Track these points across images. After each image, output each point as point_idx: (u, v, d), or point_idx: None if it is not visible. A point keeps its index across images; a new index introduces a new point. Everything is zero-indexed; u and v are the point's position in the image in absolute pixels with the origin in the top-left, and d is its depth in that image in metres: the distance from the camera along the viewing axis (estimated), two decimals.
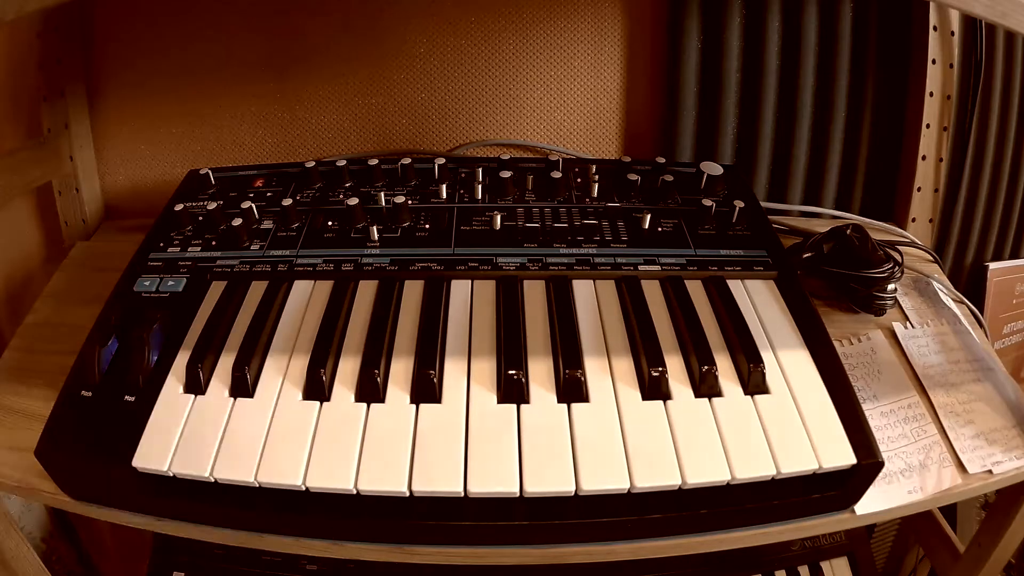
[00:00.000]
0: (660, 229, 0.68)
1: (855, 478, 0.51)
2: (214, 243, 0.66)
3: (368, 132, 0.89)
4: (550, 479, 0.47)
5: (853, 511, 0.54)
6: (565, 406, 0.52)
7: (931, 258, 0.81)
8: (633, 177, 0.74)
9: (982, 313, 0.79)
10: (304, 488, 0.47)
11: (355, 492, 0.47)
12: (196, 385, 0.53)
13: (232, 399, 0.53)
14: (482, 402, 0.52)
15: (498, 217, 0.68)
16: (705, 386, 0.53)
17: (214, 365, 0.55)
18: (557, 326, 0.58)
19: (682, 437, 0.50)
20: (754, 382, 0.54)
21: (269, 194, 0.73)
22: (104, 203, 0.90)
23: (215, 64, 0.84)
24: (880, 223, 0.84)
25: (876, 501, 0.54)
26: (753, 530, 0.52)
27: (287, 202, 0.68)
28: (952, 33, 0.81)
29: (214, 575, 0.80)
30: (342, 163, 0.75)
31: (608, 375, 0.54)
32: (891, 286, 0.69)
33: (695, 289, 0.63)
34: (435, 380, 0.53)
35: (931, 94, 0.82)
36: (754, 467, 0.48)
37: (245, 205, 0.69)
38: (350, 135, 0.89)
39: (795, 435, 0.50)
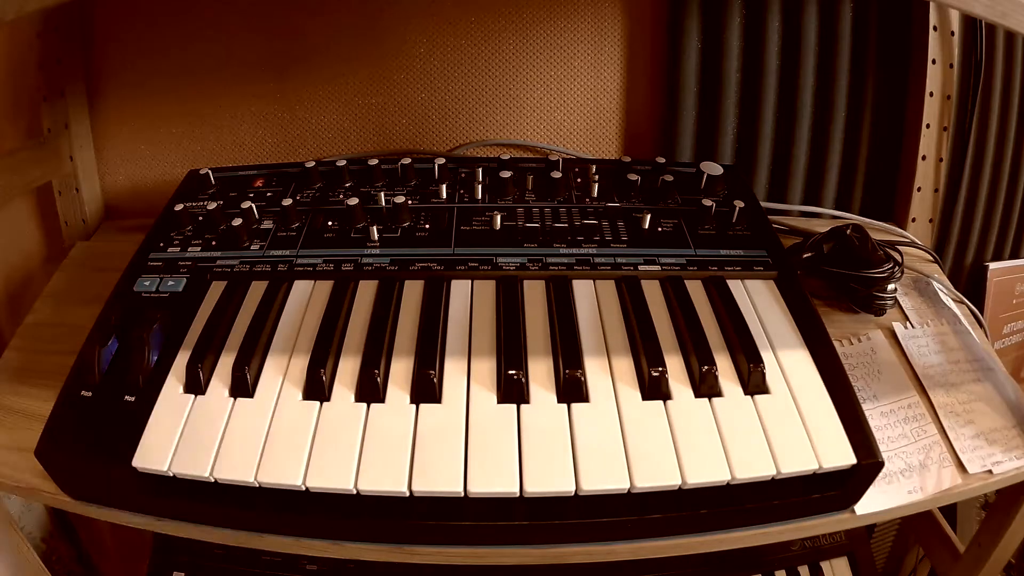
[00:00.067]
0: (660, 229, 0.68)
1: (855, 478, 0.51)
2: (214, 243, 0.66)
3: (368, 132, 0.89)
4: (550, 479, 0.47)
5: (853, 511, 0.54)
6: (565, 406, 0.52)
7: (931, 258, 0.81)
8: (633, 177, 0.74)
9: (982, 313, 0.79)
10: (304, 488, 0.47)
11: (355, 492, 0.47)
12: (196, 385, 0.53)
13: (232, 399, 0.53)
14: (482, 402, 0.52)
15: (498, 217, 0.68)
16: (705, 386, 0.53)
17: (214, 365, 0.55)
18: (557, 326, 0.58)
19: (682, 437, 0.50)
20: (754, 382, 0.54)
21: (269, 194, 0.73)
22: (104, 203, 0.90)
23: (215, 64, 0.84)
24: (880, 223, 0.84)
25: (876, 501, 0.54)
26: (753, 530, 0.52)
27: (287, 202, 0.68)
28: (952, 33, 0.81)
29: (214, 575, 0.80)
30: (342, 163, 0.75)
31: (608, 375, 0.54)
32: (891, 286, 0.69)
33: (695, 289, 0.63)
34: (435, 380, 0.53)
35: (931, 94, 0.82)
36: (754, 467, 0.48)
37: (245, 205, 0.69)
38: (350, 135, 0.89)
39: (795, 435, 0.50)
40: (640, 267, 0.64)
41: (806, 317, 0.60)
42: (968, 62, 0.83)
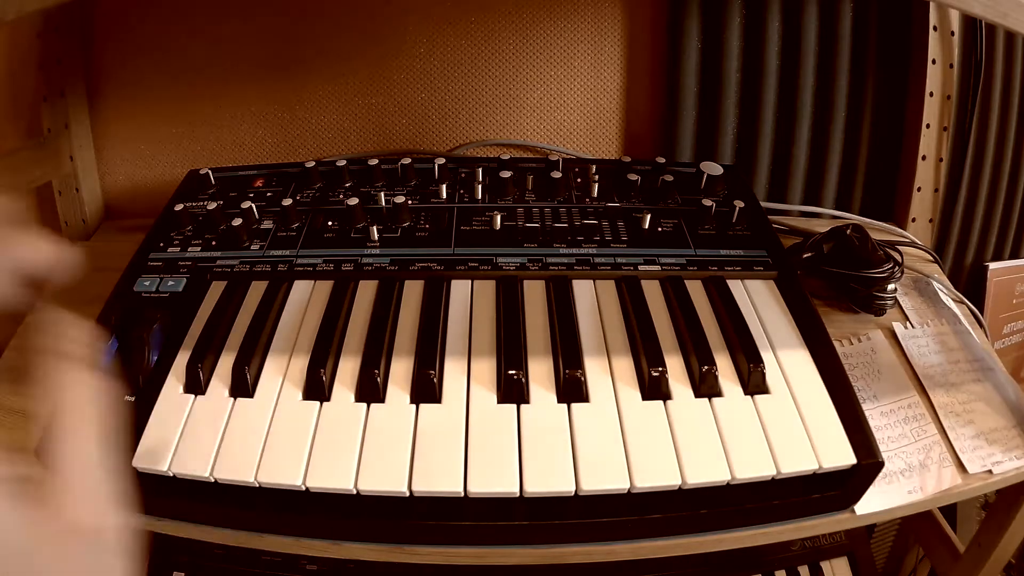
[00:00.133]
0: (660, 229, 0.68)
1: (855, 478, 0.51)
2: (214, 243, 0.66)
3: (368, 132, 0.89)
4: (550, 479, 0.47)
5: (853, 511, 0.54)
6: (565, 406, 0.52)
7: (931, 258, 0.81)
8: (633, 177, 0.74)
9: (982, 313, 0.79)
10: (304, 488, 0.47)
11: (355, 492, 0.47)
12: (196, 385, 0.53)
13: (232, 399, 0.53)
14: (482, 402, 0.52)
15: (498, 217, 0.68)
16: (705, 386, 0.53)
17: (214, 365, 0.55)
18: (557, 326, 0.58)
19: (682, 437, 0.50)
20: (754, 382, 0.54)
21: (269, 194, 0.73)
22: (104, 203, 0.90)
23: (215, 64, 0.84)
24: (880, 223, 0.84)
25: (876, 501, 0.54)
26: (753, 530, 0.52)
27: (287, 202, 0.68)
28: (952, 33, 0.81)
29: (214, 575, 0.80)
30: (342, 163, 0.75)
31: (608, 375, 0.54)
32: (891, 286, 0.69)
33: (695, 289, 0.63)
34: (435, 380, 0.53)
35: (931, 94, 0.82)
36: (754, 467, 0.48)
37: (245, 205, 0.69)
38: (350, 135, 0.89)
39: (795, 435, 0.50)
40: (640, 267, 0.64)
41: (806, 317, 0.60)
42: (968, 62, 0.83)
